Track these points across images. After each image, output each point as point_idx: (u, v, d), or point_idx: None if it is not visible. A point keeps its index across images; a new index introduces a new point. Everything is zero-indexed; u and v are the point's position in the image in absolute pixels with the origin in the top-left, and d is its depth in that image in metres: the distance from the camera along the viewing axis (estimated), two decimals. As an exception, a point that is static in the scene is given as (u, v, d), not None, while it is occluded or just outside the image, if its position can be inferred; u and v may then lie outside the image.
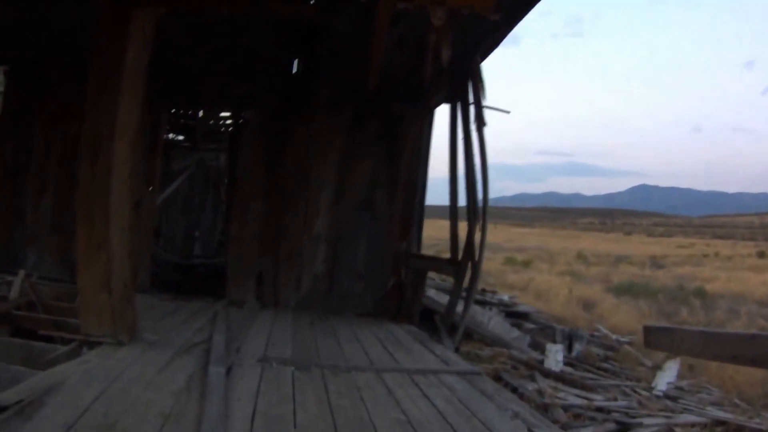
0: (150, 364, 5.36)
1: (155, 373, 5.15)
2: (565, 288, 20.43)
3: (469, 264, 8.55)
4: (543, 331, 12.11)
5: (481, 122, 8.24)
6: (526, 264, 29.85)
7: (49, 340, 6.21)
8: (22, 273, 8.01)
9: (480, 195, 8.41)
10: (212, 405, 4.33)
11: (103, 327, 5.90)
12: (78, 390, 4.45)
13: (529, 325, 12.40)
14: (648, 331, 4.04)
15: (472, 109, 8.59)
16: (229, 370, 5.38)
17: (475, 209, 8.51)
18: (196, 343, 6.26)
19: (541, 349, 10.56)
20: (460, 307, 8.73)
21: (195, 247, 17.01)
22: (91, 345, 5.76)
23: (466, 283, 8.79)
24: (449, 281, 12.26)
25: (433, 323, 9.22)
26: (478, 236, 8.40)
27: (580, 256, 39.14)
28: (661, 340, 3.96)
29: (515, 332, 11.61)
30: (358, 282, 9.70)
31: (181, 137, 17.48)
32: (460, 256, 8.82)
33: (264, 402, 4.70)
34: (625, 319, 14.98)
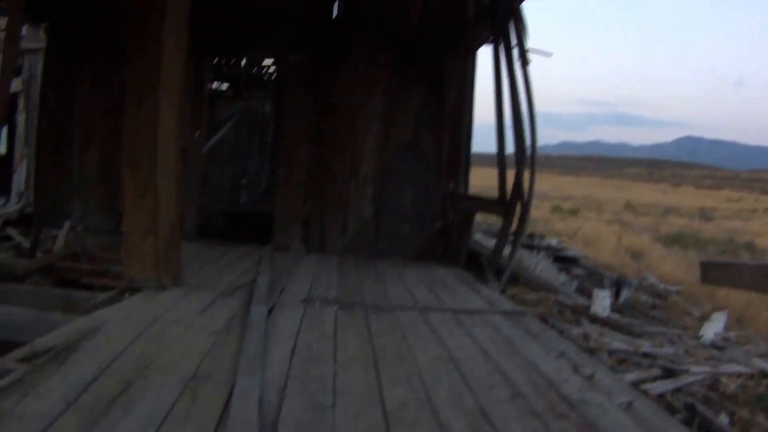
0: (191, 307, 5.29)
1: (195, 315, 5.08)
2: (614, 236, 20.00)
3: (518, 205, 8.27)
4: (591, 277, 11.85)
5: (525, 61, 7.89)
6: (574, 212, 29.33)
7: (92, 289, 6.21)
8: (67, 224, 8.03)
9: (528, 134, 8.08)
10: (250, 343, 4.22)
11: (146, 272, 5.85)
12: (114, 334, 4.40)
13: (577, 271, 12.12)
14: (705, 266, 3.79)
15: (515, 51, 8.23)
16: (271, 311, 5.28)
17: (523, 148, 8.20)
18: (239, 285, 6.18)
19: (588, 295, 10.34)
20: (507, 251, 8.51)
21: (241, 195, 17.00)
22: (134, 291, 5.71)
23: (514, 226, 8.52)
24: (497, 225, 12.01)
25: (479, 267, 8.99)
26: (526, 179, 8.11)
27: (628, 206, 38.37)
28: (718, 274, 3.72)
29: (563, 277, 11.37)
30: (404, 225, 9.51)
31: (225, 86, 17.38)
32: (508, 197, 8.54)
33: (304, 340, 4.58)
34: (673, 269, 14.60)
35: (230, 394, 3.43)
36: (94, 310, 5.09)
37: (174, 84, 5.97)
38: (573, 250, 14.15)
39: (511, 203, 8.34)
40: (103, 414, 3.06)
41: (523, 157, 8.16)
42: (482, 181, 20.20)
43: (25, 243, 7.62)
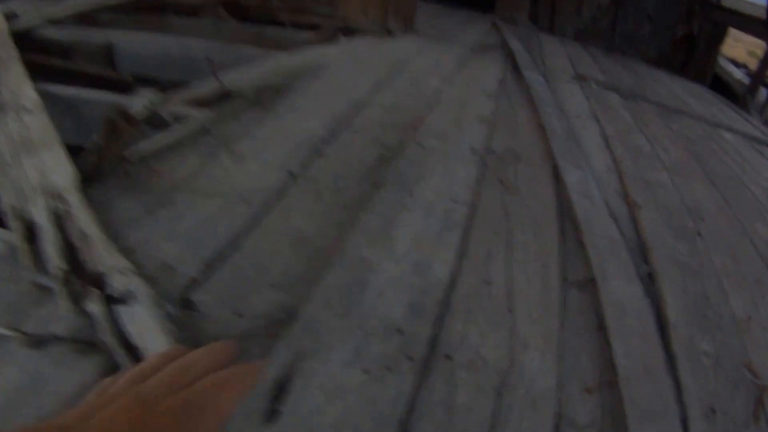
0: (442, 58, 3.94)
1: (453, 69, 3.72)
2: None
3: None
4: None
5: None
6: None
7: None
8: None
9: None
10: (551, 117, 2.97)
11: (370, 11, 4.50)
12: (347, 76, 3.07)
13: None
14: None
15: None
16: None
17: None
18: (487, 45, 4.81)
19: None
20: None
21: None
22: (350, 33, 4.37)
23: None
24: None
25: (723, 93, 7.24)
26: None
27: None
28: None
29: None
30: (644, 24, 7.64)
31: None
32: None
33: (609, 127, 3.26)
34: None
35: (555, 186, 2.25)
36: (302, 48, 3.80)
37: None
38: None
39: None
40: (361, 200, 1.86)
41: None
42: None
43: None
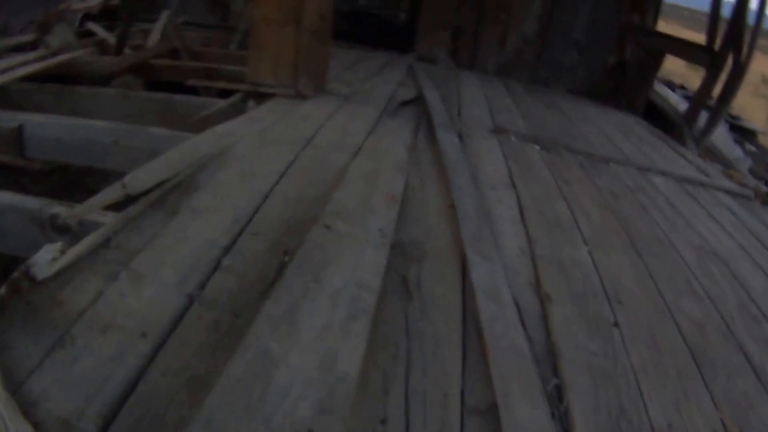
0: (352, 126, 3.89)
1: (362, 137, 3.67)
2: (762, 111, 17.80)
3: (731, 58, 6.63)
4: (765, 158, 10.24)
5: None
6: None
7: (199, 94, 4.92)
8: (165, 14, 6.61)
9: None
10: (462, 192, 2.99)
11: (281, 73, 4.48)
12: (249, 161, 2.97)
13: (752, 148, 10.47)
14: None
15: None
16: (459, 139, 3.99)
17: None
18: (403, 101, 4.84)
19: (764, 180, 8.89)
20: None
21: (361, -4, 15.28)
22: (261, 98, 4.34)
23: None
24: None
25: (656, 123, 7.48)
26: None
27: (766, 81, 34.99)
28: None
29: (737, 151, 9.79)
30: (572, 52, 7.85)
31: None
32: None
33: (526, 193, 3.31)
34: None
35: (462, 286, 2.25)
36: (210, 123, 3.75)
37: None
38: (750, 121, 12.27)
39: (721, 54, 6.68)
40: (256, 296, 1.87)
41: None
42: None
43: (111, 38, 6.12)
